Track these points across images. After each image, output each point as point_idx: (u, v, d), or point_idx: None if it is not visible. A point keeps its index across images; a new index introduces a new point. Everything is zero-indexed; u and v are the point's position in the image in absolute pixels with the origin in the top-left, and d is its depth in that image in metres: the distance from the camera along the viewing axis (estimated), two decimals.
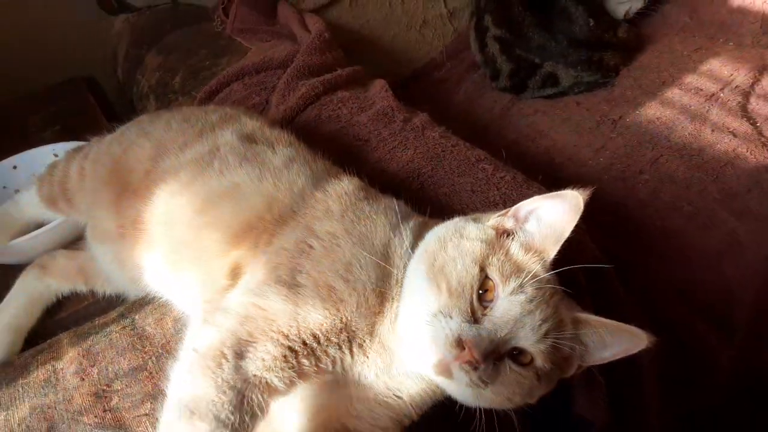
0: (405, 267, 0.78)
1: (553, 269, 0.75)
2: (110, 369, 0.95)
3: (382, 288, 0.75)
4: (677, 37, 1.87)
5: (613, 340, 0.74)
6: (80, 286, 1.23)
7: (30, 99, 2.03)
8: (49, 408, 0.90)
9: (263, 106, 1.50)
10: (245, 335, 0.71)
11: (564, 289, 0.75)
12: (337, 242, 0.78)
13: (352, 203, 0.87)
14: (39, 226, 1.26)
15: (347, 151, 1.24)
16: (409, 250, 0.79)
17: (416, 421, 0.80)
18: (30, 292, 1.21)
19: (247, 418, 0.66)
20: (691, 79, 1.69)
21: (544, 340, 0.70)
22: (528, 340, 0.70)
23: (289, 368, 0.70)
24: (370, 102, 1.38)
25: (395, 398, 0.79)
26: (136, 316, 1.04)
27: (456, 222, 0.83)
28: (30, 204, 1.27)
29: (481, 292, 0.72)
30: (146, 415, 0.88)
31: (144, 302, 1.06)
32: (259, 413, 0.67)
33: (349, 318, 0.74)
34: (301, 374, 0.72)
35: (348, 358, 0.75)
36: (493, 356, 0.69)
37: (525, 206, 0.78)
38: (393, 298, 0.76)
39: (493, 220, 0.80)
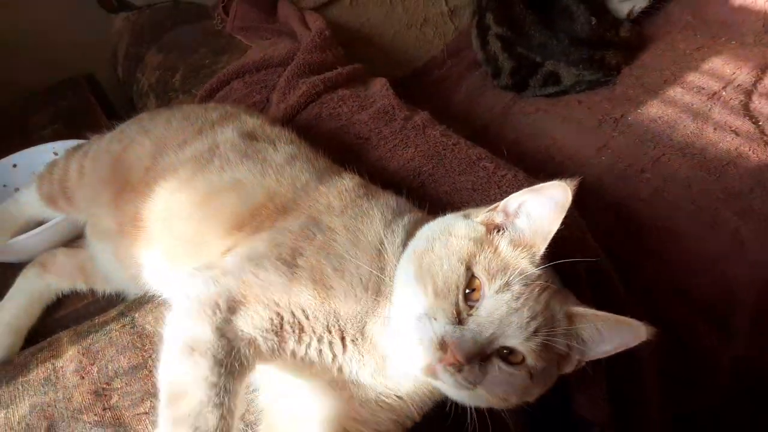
0: (397, 263, 0.78)
1: (549, 263, 0.74)
2: (110, 367, 0.95)
3: (373, 282, 0.76)
4: (679, 36, 1.86)
5: (612, 334, 0.72)
6: (80, 285, 1.23)
7: (30, 97, 2.03)
8: (48, 406, 0.91)
9: (264, 104, 1.50)
10: (239, 296, 0.75)
11: (550, 285, 0.73)
12: (333, 236, 0.80)
13: (351, 200, 0.88)
14: (39, 224, 1.26)
15: (348, 150, 1.24)
16: (401, 247, 0.79)
17: (419, 422, 0.80)
18: (30, 291, 1.21)
19: (237, 365, 0.70)
20: (693, 78, 1.69)
21: (534, 338, 0.69)
22: (516, 338, 0.69)
23: (274, 333, 0.74)
24: (370, 100, 1.37)
25: (396, 399, 0.79)
26: (136, 315, 1.04)
27: (446, 219, 0.82)
28: (30, 202, 1.27)
29: (468, 291, 0.71)
30: (146, 413, 0.88)
31: (143, 301, 1.06)
32: (246, 366, 0.72)
33: (336, 306, 0.75)
34: (283, 342, 0.75)
35: (339, 347, 0.76)
36: (479, 357, 0.69)
37: (514, 200, 0.77)
38: (386, 297, 0.76)
39: (483, 215, 0.79)
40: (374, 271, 0.76)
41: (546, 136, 1.68)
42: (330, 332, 0.76)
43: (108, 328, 1.02)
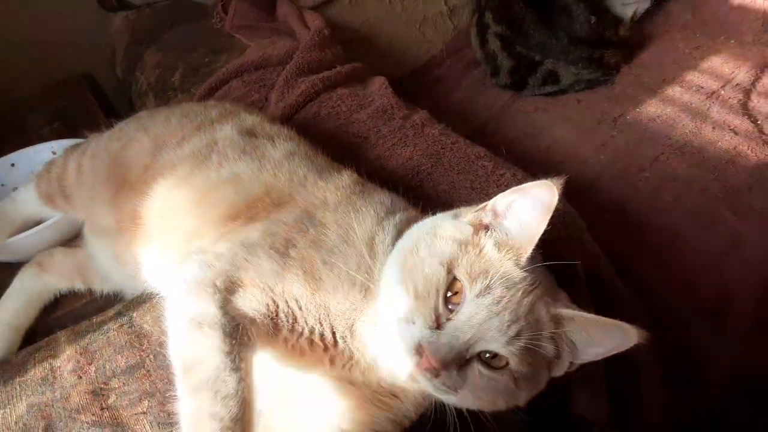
0: (386, 261, 0.78)
1: (542, 263, 0.73)
2: (108, 367, 0.95)
3: (360, 279, 0.76)
4: (679, 35, 1.86)
5: (602, 337, 0.70)
6: (78, 284, 1.23)
7: (29, 97, 2.03)
8: (46, 406, 0.90)
9: (262, 103, 1.50)
10: (236, 279, 0.77)
11: (537, 288, 0.71)
12: (325, 231, 0.81)
13: (346, 196, 0.88)
14: (37, 223, 1.26)
15: (346, 148, 1.24)
16: (391, 245, 0.79)
17: (415, 421, 0.80)
18: (28, 290, 1.20)
19: (245, 338, 0.72)
20: (692, 77, 1.69)
21: (515, 342, 0.67)
22: (497, 342, 0.67)
23: (270, 318, 0.75)
24: (369, 99, 1.37)
25: (392, 397, 0.79)
26: (134, 314, 1.03)
27: (434, 219, 0.81)
28: (28, 201, 1.27)
29: (451, 294, 0.70)
30: (144, 413, 0.87)
31: (141, 300, 1.05)
32: (252, 342, 0.73)
33: (326, 299, 0.76)
34: (276, 329, 0.76)
35: (330, 341, 0.77)
36: (456, 362, 0.67)
37: (502, 199, 0.74)
38: (375, 296, 0.75)
39: (471, 215, 0.77)
40: (362, 268, 0.76)
41: (545, 135, 1.68)
42: (321, 325, 0.76)
43: (106, 327, 1.02)
